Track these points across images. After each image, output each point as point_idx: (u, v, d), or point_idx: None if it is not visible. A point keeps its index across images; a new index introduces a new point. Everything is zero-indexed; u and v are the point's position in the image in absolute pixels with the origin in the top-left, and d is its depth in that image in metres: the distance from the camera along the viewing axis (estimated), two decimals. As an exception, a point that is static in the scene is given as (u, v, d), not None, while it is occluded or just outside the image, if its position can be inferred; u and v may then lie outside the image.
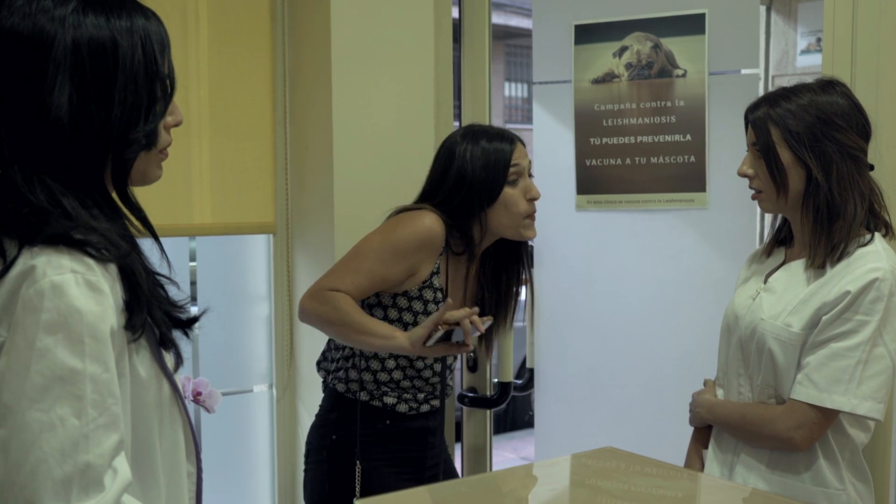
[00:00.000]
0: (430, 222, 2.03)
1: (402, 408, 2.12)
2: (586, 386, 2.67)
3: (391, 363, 2.10)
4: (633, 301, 2.58)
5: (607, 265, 2.62)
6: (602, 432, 2.56)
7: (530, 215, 2.10)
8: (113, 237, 1.15)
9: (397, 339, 1.93)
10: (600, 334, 2.63)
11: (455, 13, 2.73)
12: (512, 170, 2.06)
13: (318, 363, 2.23)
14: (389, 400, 2.10)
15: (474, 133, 2.11)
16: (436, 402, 2.17)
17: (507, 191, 2.06)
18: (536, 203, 2.12)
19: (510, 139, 2.10)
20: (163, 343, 1.22)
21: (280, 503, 2.77)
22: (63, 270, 1.08)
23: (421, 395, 2.14)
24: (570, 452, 1.71)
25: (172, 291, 1.27)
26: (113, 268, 1.14)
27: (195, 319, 1.28)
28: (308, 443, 2.19)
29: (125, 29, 1.18)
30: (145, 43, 1.19)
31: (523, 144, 2.13)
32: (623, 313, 2.60)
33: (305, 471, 2.19)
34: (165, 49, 1.23)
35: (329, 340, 2.20)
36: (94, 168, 1.17)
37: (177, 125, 1.28)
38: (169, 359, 1.25)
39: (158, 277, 1.26)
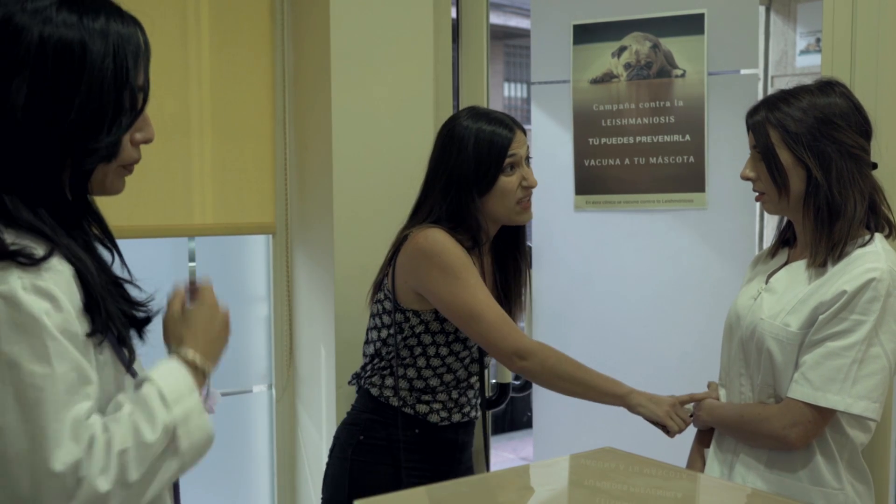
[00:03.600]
0: (440, 234, 2.02)
1: (434, 418, 2.11)
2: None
3: (427, 372, 2.09)
4: (632, 301, 2.58)
5: (606, 266, 2.62)
6: (601, 432, 2.55)
7: (522, 201, 2.09)
8: (55, 235, 1.13)
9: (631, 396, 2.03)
10: (599, 335, 2.63)
11: (454, 13, 2.73)
12: (508, 159, 2.06)
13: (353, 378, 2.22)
14: (422, 409, 2.10)
15: (476, 115, 2.11)
16: (469, 411, 2.17)
17: (503, 179, 2.06)
18: (537, 197, 2.12)
19: (510, 126, 2.09)
20: (118, 339, 1.21)
21: (280, 503, 2.77)
22: (8, 281, 1.07)
23: (452, 406, 2.13)
24: (569, 453, 1.71)
25: (134, 292, 1.25)
26: (67, 270, 1.12)
27: (148, 321, 1.27)
28: (336, 437, 2.18)
29: (98, 31, 1.14)
30: (118, 49, 1.16)
31: (524, 132, 2.12)
32: (622, 314, 2.60)
33: (328, 464, 2.17)
34: (140, 58, 1.19)
35: (365, 353, 2.18)
36: (47, 169, 1.14)
37: (146, 142, 1.24)
38: (124, 352, 1.24)
39: (120, 279, 1.24)
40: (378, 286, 2.16)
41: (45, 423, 1.04)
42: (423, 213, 2.10)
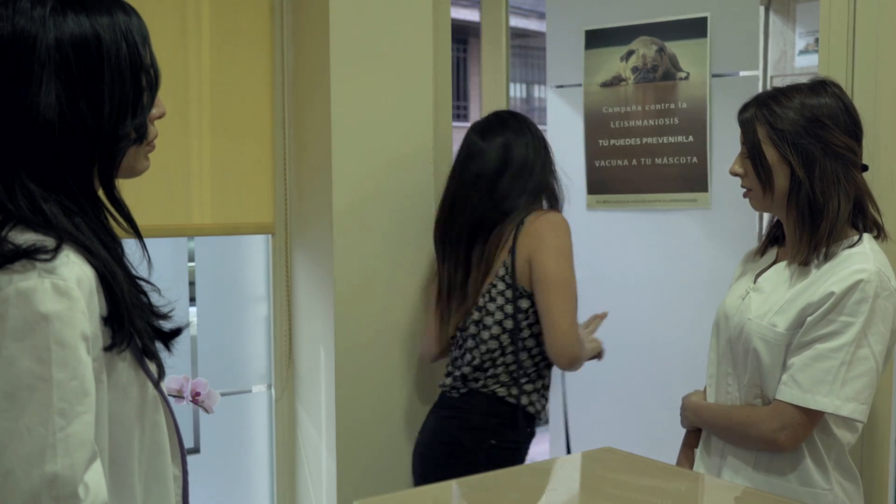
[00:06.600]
0: (565, 220, 2.21)
1: (534, 409, 2.21)
2: (587, 385, 2.67)
3: (538, 357, 2.19)
4: (639, 299, 2.60)
5: (617, 263, 2.64)
6: (602, 432, 2.56)
7: None
8: (93, 247, 1.13)
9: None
10: (603, 333, 2.63)
11: (454, 13, 2.75)
12: None
13: (467, 375, 2.22)
14: (538, 407, 2.19)
15: (519, 123, 2.28)
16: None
17: None
18: None
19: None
20: (145, 353, 1.20)
21: (279, 503, 2.77)
22: (29, 277, 1.06)
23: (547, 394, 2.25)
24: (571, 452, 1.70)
25: (154, 298, 1.25)
26: (90, 276, 1.11)
27: (178, 332, 1.26)
28: (454, 443, 2.18)
29: (107, 24, 1.17)
30: (127, 36, 1.18)
31: None
32: (628, 311, 2.61)
33: (446, 470, 2.02)
34: (146, 41, 1.23)
35: (491, 351, 2.20)
36: (83, 166, 1.16)
37: (160, 117, 1.27)
38: (151, 365, 1.23)
39: (142, 284, 1.24)
40: (480, 283, 2.21)
41: (31, 425, 1.03)
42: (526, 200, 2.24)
